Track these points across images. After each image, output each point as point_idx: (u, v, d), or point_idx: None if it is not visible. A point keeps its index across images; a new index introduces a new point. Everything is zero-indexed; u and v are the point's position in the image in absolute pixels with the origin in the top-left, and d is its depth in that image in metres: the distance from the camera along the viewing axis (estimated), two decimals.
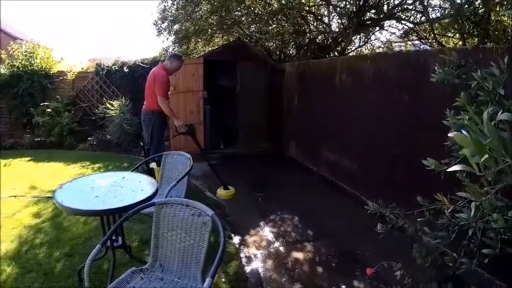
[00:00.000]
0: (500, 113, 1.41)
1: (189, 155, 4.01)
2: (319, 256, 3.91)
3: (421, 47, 8.82)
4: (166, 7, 10.88)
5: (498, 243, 1.74)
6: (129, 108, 9.07)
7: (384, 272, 3.27)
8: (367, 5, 8.10)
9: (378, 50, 10.69)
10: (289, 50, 11.23)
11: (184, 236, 2.49)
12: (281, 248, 4.09)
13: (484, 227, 1.81)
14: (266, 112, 8.65)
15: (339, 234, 4.42)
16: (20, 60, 9.83)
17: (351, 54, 9.77)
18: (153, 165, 5.04)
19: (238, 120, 8.50)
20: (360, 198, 5.32)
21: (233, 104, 8.48)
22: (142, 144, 5.73)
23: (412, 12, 8.27)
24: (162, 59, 9.32)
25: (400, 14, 8.30)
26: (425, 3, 6.80)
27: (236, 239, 4.26)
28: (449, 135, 1.75)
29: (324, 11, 9.73)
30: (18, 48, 9.98)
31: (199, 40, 11.63)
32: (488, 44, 5.45)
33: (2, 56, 10.00)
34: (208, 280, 1.98)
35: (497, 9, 6.11)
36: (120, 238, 3.28)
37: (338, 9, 8.74)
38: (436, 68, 2.43)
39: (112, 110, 9.02)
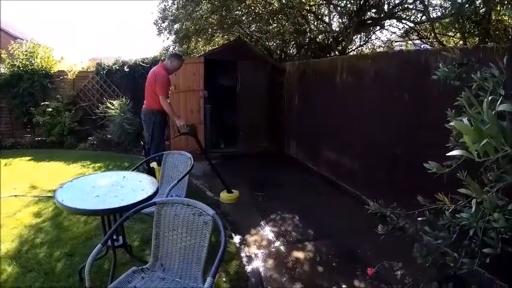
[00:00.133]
0: (498, 103, 1.41)
1: (189, 155, 4.01)
2: (319, 256, 3.91)
3: (422, 46, 8.81)
4: (167, 6, 10.90)
5: (499, 243, 1.74)
6: (130, 107, 9.06)
7: (385, 272, 3.28)
8: (368, 4, 8.10)
9: (378, 50, 10.69)
10: (290, 50, 11.23)
11: (185, 236, 2.49)
12: (281, 248, 4.09)
13: (485, 226, 1.81)
14: (266, 111, 8.66)
15: (339, 234, 4.42)
16: (21, 60, 9.82)
17: (351, 53, 9.77)
18: (153, 164, 5.04)
19: (239, 120, 8.51)
20: (360, 198, 5.32)
21: (233, 103, 8.49)
22: (142, 143, 5.73)
23: (413, 11, 8.28)
24: (162, 58, 9.30)
25: (400, 13, 8.31)
26: (426, 3, 6.81)
27: (237, 239, 4.26)
28: (451, 124, 1.74)
29: (324, 10, 9.74)
30: (18, 48, 9.97)
31: (200, 39, 11.63)
32: (489, 43, 5.44)
33: (3, 55, 9.99)
34: (209, 279, 1.98)
35: (498, 8, 6.11)
36: (120, 238, 3.28)
37: (339, 8, 8.73)
38: (441, 65, 2.42)
39: (112, 109, 9.02)
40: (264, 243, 4.21)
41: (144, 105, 5.60)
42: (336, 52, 8.96)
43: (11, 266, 3.48)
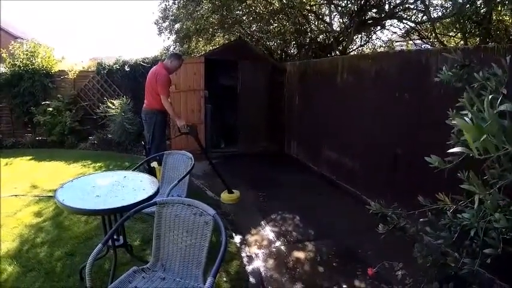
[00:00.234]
0: (499, 102, 1.41)
1: (190, 155, 4.01)
2: (320, 255, 3.90)
3: (423, 46, 8.81)
4: (168, 6, 10.93)
5: (500, 243, 1.73)
6: (130, 107, 9.05)
7: (385, 272, 3.28)
8: (369, 4, 8.10)
9: (379, 50, 10.69)
10: (291, 49, 11.23)
11: (186, 236, 2.49)
12: (282, 248, 4.08)
13: (486, 226, 1.80)
14: (267, 111, 8.66)
15: (339, 234, 4.41)
16: (21, 60, 9.81)
17: (352, 53, 9.77)
18: (154, 164, 5.04)
19: (239, 119, 8.52)
20: (361, 198, 5.32)
21: (234, 103, 8.49)
22: (143, 143, 5.73)
23: (414, 11, 8.29)
24: (163, 58, 9.31)
25: (401, 13, 8.31)
26: (427, 3, 6.81)
27: (237, 239, 4.26)
28: (453, 122, 1.74)
29: (325, 10, 9.75)
30: (19, 47, 9.96)
31: (201, 39, 11.64)
32: (490, 43, 5.44)
33: (3, 55, 9.99)
34: (209, 279, 1.98)
35: (499, 8, 6.10)
36: (121, 237, 3.28)
37: (339, 8, 8.74)
38: (444, 68, 2.42)
39: (113, 109, 9.01)
40: (265, 243, 4.20)
41: (144, 105, 5.60)
42: (337, 52, 8.96)
43: (12, 265, 3.48)
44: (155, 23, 11.50)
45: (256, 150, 8.42)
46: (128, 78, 9.82)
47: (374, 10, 8.47)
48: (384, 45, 10.78)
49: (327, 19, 9.48)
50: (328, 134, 6.59)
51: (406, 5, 7.99)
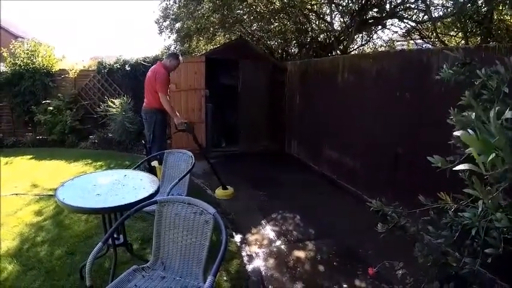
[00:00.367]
0: (508, 110, 1.39)
1: (191, 153, 4.02)
2: (320, 255, 3.90)
3: (424, 46, 8.81)
4: (168, 5, 10.94)
5: (501, 243, 1.73)
6: (131, 106, 9.06)
7: (386, 271, 3.27)
8: (370, 3, 8.09)
9: (380, 49, 10.68)
10: (291, 49, 11.23)
11: (186, 234, 2.48)
12: (282, 247, 4.08)
13: (488, 226, 1.80)
14: (268, 110, 8.66)
15: (340, 233, 4.41)
16: (22, 59, 9.82)
17: (353, 53, 9.76)
18: (154, 163, 5.05)
19: (240, 119, 8.52)
20: (361, 197, 5.31)
21: (235, 102, 8.49)
22: (144, 142, 5.75)
23: (415, 11, 8.28)
24: (163, 57, 9.32)
25: (402, 12, 8.30)
26: (428, 2, 6.79)
27: (237, 238, 4.25)
28: (454, 133, 1.73)
29: (326, 9, 9.74)
30: (19, 47, 9.97)
31: (201, 38, 11.64)
32: (491, 43, 5.43)
33: (4, 54, 9.99)
34: (210, 278, 1.97)
35: (500, 8, 6.09)
36: (121, 236, 3.29)
37: (340, 7, 8.73)
38: (445, 66, 2.41)
39: (114, 108, 9.01)
40: (265, 242, 4.20)
41: (144, 104, 5.63)
42: (338, 51, 8.96)
43: (12, 264, 3.49)
44: (156, 22, 11.51)
45: (257, 149, 8.42)
46: (128, 78, 9.83)
47: (375, 9, 8.46)
48: (384, 44, 10.77)
49: (328, 18, 9.47)
50: (328, 134, 6.59)
51: (407, 5, 7.98)
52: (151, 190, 2.98)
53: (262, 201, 5.49)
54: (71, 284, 3.19)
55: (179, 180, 3.62)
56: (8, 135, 9.95)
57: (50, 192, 5.42)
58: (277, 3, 9.24)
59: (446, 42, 7.93)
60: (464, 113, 1.96)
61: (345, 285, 3.34)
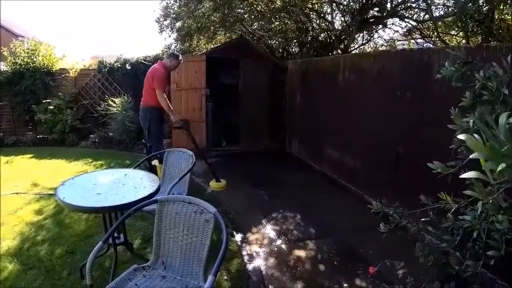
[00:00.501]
0: (504, 88, 1.38)
1: (191, 152, 4.02)
2: (321, 254, 3.89)
3: (425, 45, 8.80)
4: (169, 4, 10.92)
5: (503, 245, 1.72)
6: (131, 105, 9.05)
7: (386, 271, 3.26)
8: (371, 2, 8.08)
9: (381, 48, 10.68)
10: (292, 48, 11.23)
11: (187, 234, 2.48)
12: (283, 246, 4.08)
13: (489, 228, 1.79)
14: (268, 110, 8.64)
15: (341, 233, 4.41)
16: (22, 58, 9.81)
17: (353, 52, 9.75)
18: (155, 162, 5.05)
19: (241, 118, 8.50)
20: (362, 197, 5.31)
21: (235, 101, 8.48)
22: (144, 141, 5.77)
23: (416, 10, 8.27)
24: (164, 56, 9.32)
25: (403, 12, 8.30)
26: (429, 1, 6.78)
27: (238, 237, 4.25)
28: (458, 137, 1.71)
29: (327, 8, 9.73)
30: (20, 46, 9.96)
31: (202, 37, 11.63)
32: (492, 42, 5.42)
33: (5, 53, 9.98)
34: (210, 278, 1.97)
35: (501, 7, 6.09)
36: (122, 235, 3.28)
37: (341, 6, 8.73)
38: (446, 63, 2.40)
39: (114, 107, 9.01)
40: (266, 241, 4.20)
41: (141, 103, 5.77)
42: (338, 51, 8.95)
43: (12, 263, 3.49)
44: (156, 21, 11.48)
45: (258, 148, 8.41)
46: (129, 77, 9.83)
47: (376, 9, 8.46)
48: (385, 44, 10.76)
49: (329, 17, 9.46)
50: (329, 133, 6.58)
51: (408, 4, 7.98)
52: (151, 189, 2.98)
53: (262, 200, 5.49)
54: (71, 283, 3.18)
55: (180, 179, 3.62)
56: (8, 134, 9.94)
57: (51, 191, 5.42)
58: (278, 2, 9.24)
59: (447, 41, 7.92)
60: (465, 119, 1.95)
61: (345, 285, 3.33)
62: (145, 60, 9.64)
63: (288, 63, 8.48)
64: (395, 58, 5.07)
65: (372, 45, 11.02)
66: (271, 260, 3.77)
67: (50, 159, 7.89)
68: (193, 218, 2.45)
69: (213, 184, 5.92)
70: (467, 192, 1.75)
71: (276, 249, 4.02)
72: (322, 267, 3.66)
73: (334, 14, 9.21)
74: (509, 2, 5.68)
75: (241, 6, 9.25)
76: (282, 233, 4.38)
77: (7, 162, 7.62)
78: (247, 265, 3.66)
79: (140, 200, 2.73)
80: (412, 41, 9.88)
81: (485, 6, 5.77)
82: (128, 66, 9.84)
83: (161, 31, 11.57)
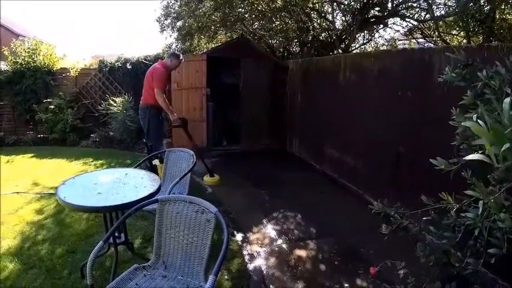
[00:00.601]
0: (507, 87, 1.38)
1: (192, 152, 4.02)
2: (322, 254, 3.89)
3: (425, 45, 8.78)
4: (170, 4, 10.92)
5: (505, 243, 1.72)
6: (132, 105, 9.05)
7: (387, 271, 3.26)
8: (371, 2, 8.07)
9: (381, 48, 10.67)
10: (293, 47, 11.22)
11: (188, 233, 2.48)
12: (284, 246, 4.07)
13: (491, 226, 1.78)
14: (269, 109, 8.63)
15: (341, 232, 4.40)
16: (23, 57, 9.79)
17: (354, 51, 9.74)
18: (156, 162, 5.06)
19: (241, 117, 8.50)
20: (363, 197, 5.31)
21: (236, 101, 8.47)
22: (145, 140, 5.77)
23: (417, 9, 8.25)
24: (164, 55, 9.32)
25: (404, 11, 8.28)
26: (430, 1, 6.77)
27: (239, 236, 4.25)
28: (463, 123, 1.70)
29: (327, 8, 9.71)
30: (20, 45, 9.95)
31: (203, 37, 11.62)
32: (493, 42, 5.41)
33: (5, 52, 9.98)
34: (211, 278, 1.97)
35: (502, 7, 6.08)
36: (122, 235, 3.28)
37: (342, 6, 8.72)
38: (447, 69, 2.40)
39: (115, 106, 9.01)
40: (266, 241, 4.19)
41: (140, 102, 5.80)
42: (339, 50, 8.94)
43: (13, 262, 3.49)
44: (157, 21, 11.49)
45: (259, 148, 8.40)
46: (129, 76, 9.83)
47: (377, 8, 8.44)
48: (386, 43, 10.75)
49: (330, 17, 9.45)
50: (330, 132, 6.58)
51: (409, 3, 7.95)
52: (152, 189, 2.98)
53: (263, 200, 5.49)
54: (72, 282, 3.18)
55: (180, 178, 3.62)
56: (9, 133, 9.93)
57: (51, 191, 5.42)
58: (279, 2, 9.22)
59: (448, 41, 7.90)
60: (467, 115, 1.95)
61: (346, 285, 3.33)
62: (146, 60, 9.64)
63: (289, 63, 8.47)
64: (396, 58, 5.06)
65: (372, 45, 11.01)
66: (272, 260, 3.77)
67: (51, 158, 7.89)
68: (194, 218, 2.45)
69: (207, 179, 6.11)
70: (468, 192, 1.75)
71: (276, 248, 4.01)
72: (323, 267, 3.66)
73: (335, 14, 9.20)
74: (510, 2, 5.67)
75: (242, 5, 9.24)
76: (282, 233, 4.38)
77: (8, 161, 7.62)
78: (248, 265, 3.66)
79: (141, 199, 2.73)
80: (413, 40, 9.87)
81: (486, 6, 5.76)
82: (128, 66, 9.84)
83: (162, 30, 11.58)
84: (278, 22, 10.08)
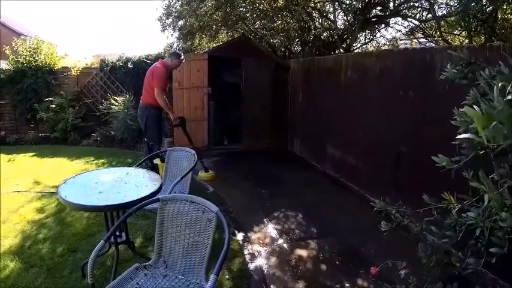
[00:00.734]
0: (510, 87, 1.39)
1: (193, 151, 4.02)
2: (322, 254, 3.89)
3: (427, 44, 8.76)
4: (171, 3, 10.91)
5: (506, 243, 1.71)
6: (133, 104, 9.04)
7: (388, 271, 3.25)
8: (373, 1, 8.05)
9: (383, 48, 10.65)
10: (294, 47, 11.20)
11: (189, 233, 2.48)
12: (285, 245, 4.07)
13: (492, 226, 1.78)
14: (270, 108, 8.63)
15: (342, 232, 4.40)
16: (24, 56, 9.81)
17: (356, 51, 9.73)
18: (157, 161, 5.06)
19: (243, 117, 8.49)
20: (364, 196, 5.30)
21: (237, 100, 8.47)
22: (146, 140, 5.77)
23: (418, 9, 8.22)
24: (166, 55, 9.32)
25: (406, 11, 8.26)
26: (432, 1, 6.75)
27: (240, 236, 4.25)
28: (462, 109, 1.70)
29: (329, 7, 9.69)
30: (22, 44, 9.96)
31: (204, 36, 11.61)
32: (495, 42, 5.40)
33: (6, 52, 9.99)
34: (212, 277, 1.96)
35: (505, 7, 6.06)
36: (123, 234, 3.28)
37: (344, 5, 8.70)
38: (448, 66, 2.39)
39: (116, 105, 9.02)
40: (267, 240, 4.19)
41: (140, 101, 5.83)
42: (341, 50, 8.93)
43: (14, 261, 3.49)
44: (158, 20, 11.48)
45: (260, 147, 8.40)
46: (131, 75, 9.83)
47: (378, 8, 8.43)
48: (388, 43, 10.73)
49: (331, 16, 9.43)
50: (331, 132, 6.57)
51: (411, 3, 7.93)
52: (153, 188, 2.98)
53: (264, 199, 5.48)
54: (73, 281, 3.19)
55: (182, 178, 3.62)
56: (10, 132, 9.96)
57: (52, 190, 5.43)
58: (281, 1, 9.21)
59: (450, 41, 7.88)
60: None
61: (347, 284, 3.33)
62: (147, 59, 9.65)
63: (290, 62, 8.47)
64: (397, 57, 5.05)
65: (374, 45, 10.98)
66: (273, 259, 3.77)
67: (52, 157, 7.90)
68: (195, 217, 2.45)
69: (202, 174, 6.26)
70: (473, 184, 1.74)
71: (277, 248, 4.01)
72: (323, 266, 3.65)
73: (336, 13, 9.18)
74: None
75: (244, 5, 9.23)
76: (283, 232, 4.37)
77: (9, 160, 7.63)
78: (249, 264, 3.66)
79: (142, 198, 2.73)
80: (415, 40, 9.85)
81: (488, 6, 5.74)
82: (129, 65, 9.84)
83: (163, 30, 11.57)
84: (279, 21, 10.07)
